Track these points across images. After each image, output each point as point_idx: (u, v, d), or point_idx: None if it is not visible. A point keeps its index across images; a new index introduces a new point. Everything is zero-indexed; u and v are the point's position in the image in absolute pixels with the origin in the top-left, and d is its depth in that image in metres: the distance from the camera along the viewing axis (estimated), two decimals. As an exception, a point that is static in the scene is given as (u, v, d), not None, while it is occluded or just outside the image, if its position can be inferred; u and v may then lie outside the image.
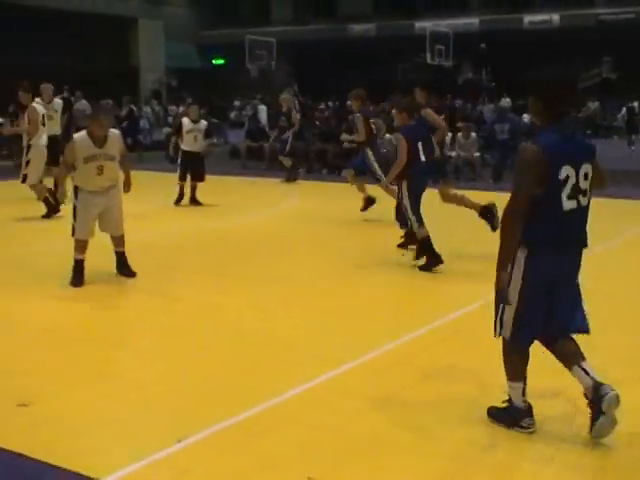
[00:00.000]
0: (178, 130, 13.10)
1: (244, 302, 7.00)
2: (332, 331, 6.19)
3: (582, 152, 4.12)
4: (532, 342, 4.28)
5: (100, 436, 4.23)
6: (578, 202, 4.07)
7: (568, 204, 4.02)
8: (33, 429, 4.31)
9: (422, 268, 8.15)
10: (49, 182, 11.14)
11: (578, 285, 4.28)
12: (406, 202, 8.22)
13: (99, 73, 33.64)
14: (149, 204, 12.53)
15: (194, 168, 12.76)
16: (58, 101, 13.66)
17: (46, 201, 11.42)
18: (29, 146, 11.45)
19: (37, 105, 11.79)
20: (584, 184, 4.08)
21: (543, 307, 4.16)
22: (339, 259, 8.80)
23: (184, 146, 12.81)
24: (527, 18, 37.88)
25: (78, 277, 7.50)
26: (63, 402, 4.68)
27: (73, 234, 7.56)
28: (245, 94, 30.90)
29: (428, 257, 8.16)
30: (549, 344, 4.31)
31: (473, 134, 17.77)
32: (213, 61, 46.21)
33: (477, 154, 17.40)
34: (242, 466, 3.89)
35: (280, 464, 3.93)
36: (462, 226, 10.21)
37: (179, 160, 12.98)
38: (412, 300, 7.27)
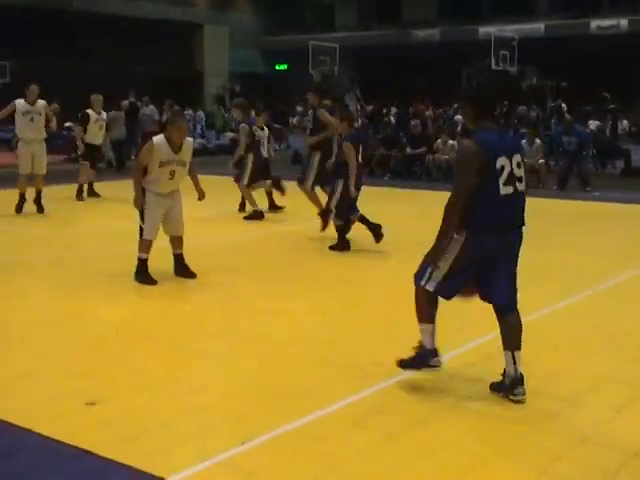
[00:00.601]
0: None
1: (305, 306, 7.04)
2: (394, 337, 6.17)
3: (513, 145, 4.85)
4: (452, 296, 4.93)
5: (165, 436, 4.30)
6: (515, 187, 4.68)
7: (504, 189, 4.62)
8: (100, 428, 4.41)
9: (331, 247, 9.58)
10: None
11: (516, 263, 4.83)
12: (337, 197, 9.54)
13: (164, 78, 34.20)
14: (211, 209, 12.65)
15: (266, 174, 12.68)
16: (104, 113, 14.62)
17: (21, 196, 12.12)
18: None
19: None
20: (518, 172, 4.70)
21: (471, 275, 4.81)
22: (401, 264, 8.76)
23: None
24: (594, 23, 37.17)
25: (145, 275, 7.69)
26: (129, 402, 4.77)
27: (142, 235, 7.74)
28: (307, 99, 31.05)
29: (340, 242, 9.57)
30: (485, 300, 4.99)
31: (537, 140, 17.50)
32: (276, 66, 46.55)
33: (541, 161, 17.12)
34: (306, 470, 3.92)
35: (344, 469, 3.94)
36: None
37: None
38: (480, 304, 7.16)
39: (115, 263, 8.75)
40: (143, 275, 7.72)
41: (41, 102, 12.12)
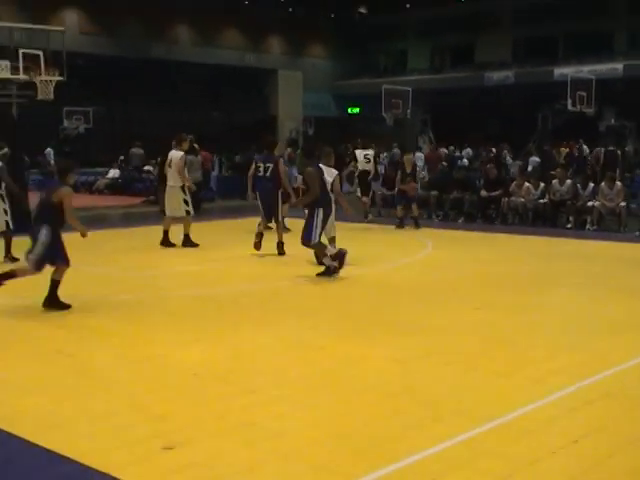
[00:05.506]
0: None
1: (384, 353, 6.91)
2: (473, 387, 6.01)
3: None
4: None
5: (241, 485, 4.24)
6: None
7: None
8: (177, 474, 4.38)
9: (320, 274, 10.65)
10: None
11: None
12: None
13: (240, 123, 34.77)
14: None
15: None
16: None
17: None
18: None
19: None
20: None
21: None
22: (480, 309, 8.59)
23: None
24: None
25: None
26: (206, 448, 4.73)
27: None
28: (379, 142, 31.08)
29: (339, 263, 10.54)
30: None
31: (618, 183, 17.02)
32: (349, 110, 46.92)
33: (623, 204, 16.59)
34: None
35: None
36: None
37: None
38: (558, 356, 6.94)
39: (195, 304, 8.88)
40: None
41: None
